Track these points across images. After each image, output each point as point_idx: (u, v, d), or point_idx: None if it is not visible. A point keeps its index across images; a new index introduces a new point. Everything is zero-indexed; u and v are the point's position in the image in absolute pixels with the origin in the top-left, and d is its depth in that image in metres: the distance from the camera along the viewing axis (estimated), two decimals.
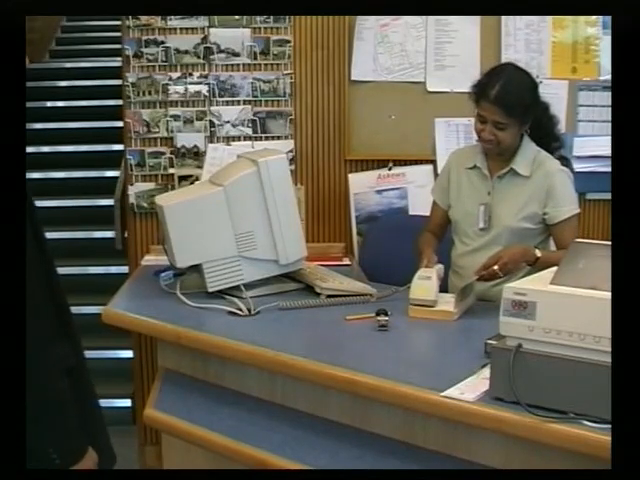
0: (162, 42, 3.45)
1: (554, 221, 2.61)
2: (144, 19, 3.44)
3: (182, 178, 3.48)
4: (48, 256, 1.67)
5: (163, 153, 3.51)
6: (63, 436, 1.57)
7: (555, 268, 1.76)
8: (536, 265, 2.46)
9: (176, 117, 3.48)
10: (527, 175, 2.61)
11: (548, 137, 2.68)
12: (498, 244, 2.60)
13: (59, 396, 1.56)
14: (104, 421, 1.83)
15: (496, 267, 2.42)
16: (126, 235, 3.72)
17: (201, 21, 3.45)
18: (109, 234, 4.68)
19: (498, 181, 2.66)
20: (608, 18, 3.37)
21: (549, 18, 3.50)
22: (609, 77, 3.44)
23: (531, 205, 2.61)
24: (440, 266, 2.56)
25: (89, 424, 1.67)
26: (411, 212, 3.49)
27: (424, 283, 2.45)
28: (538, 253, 2.49)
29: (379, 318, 2.33)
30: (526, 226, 2.62)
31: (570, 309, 1.63)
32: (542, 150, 2.65)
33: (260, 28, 3.46)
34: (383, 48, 3.51)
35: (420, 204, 3.15)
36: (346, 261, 3.32)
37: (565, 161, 2.71)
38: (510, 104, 2.51)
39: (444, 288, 2.75)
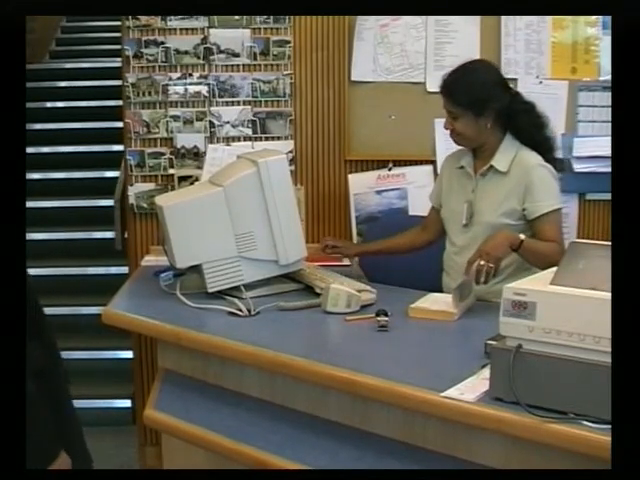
0: (162, 42, 3.45)
1: (532, 216, 2.60)
2: (144, 19, 3.44)
3: (182, 179, 3.48)
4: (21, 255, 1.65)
5: (163, 154, 3.51)
6: (31, 439, 1.51)
7: (555, 268, 1.76)
8: (521, 249, 2.46)
9: (176, 117, 3.48)
10: (504, 171, 2.63)
11: (532, 140, 2.66)
12: (479, 242, 2.60)
13: (27, 399, 1.51)
14: (79, 425, 1.80)
15: (482, 262, 2.42)
16: (126, 235, 3.72)
17: (201, 21, 3.45)
18: (109, 234, 4.68)
19: (481, 179, 2.69)
20: (608, 18, 3.36)
21: (549, 18, 3.50)
22: (609, 77, 3.44)
23: (510, 201, 2.62)
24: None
25: (62, 427, 1.64)
26: (411, 212, 3.49)
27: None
28: (522, 236, 2.48)
29: (379, 318, 2.33)
30: (506, 222, 2.61)
31: (570, 309, 1.63)
32: (524, 147, 2.65)
33: (260, 28, 3.46)
34: (383, 48, 3.51)
35: (420, 204, 3.15)
36: (346, 261, 3.32)
37: (557, 162, 2.70)
38: (456, 94, 2.60)
39: (438, 289, 2.75)
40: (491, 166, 2.65)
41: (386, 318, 2.32)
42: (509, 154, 2.64)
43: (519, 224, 2.62)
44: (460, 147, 2.75)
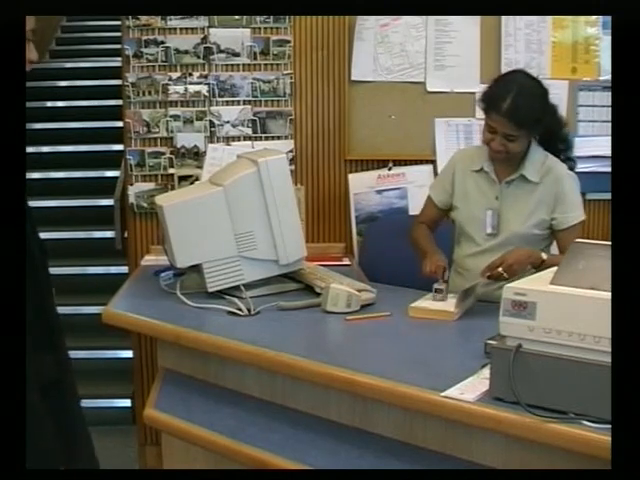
0: (162, 42, 3.45)
1: (561, 227, 2.60)
2: (144, 19, 3.44)
3: (182, 178, 3.48)
4: (34, 261, 1.65)
5: (163, 153, 3.51)
6: (33, 452, 1.50)
7: (555, 268, 1.76)
8: (541, 267, 2.45)
9: (176, 117, 3.48)
10: (537, 181, 2.61)
11: (555, 139, 2.67)
12: (505, 249, 2.60)
13: (31, 411, 1.51)
14: (88, 435, 1.80)
15: (501, 269, 2.42)
16: (126, 235, 3.72)
17: (201, 21, 3.45)
18: (109, 234, 4.69)
19: (506, 186, 2.65)
20: (608, 18, 3.37)
21: (549, 18, 3.50)
22: (609, 77, 3.44)
23: (540, 211, 2.61)
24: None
25: (67, 441, 1.63)
26: (411, 212, 3.48)
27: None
28: (544, 256, 2.49)
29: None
30: (535, 232, 2.61)
31: (570, 309, 1.63)
32: (549, 154, 2.64)
33: (260, 28, 3.46)
34: (383, 48, 3.51)
35: (420, 204, 3.14)
36: (346, 261, 3.32)
37: (572, 162, 2.71)
38: (521, 117, 2.49)
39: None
40: (520, 175, 2.62)
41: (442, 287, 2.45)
42: (537, 163, 2.62)
43: (544, 233, 2.62)
44: (472, 145, 2.72)
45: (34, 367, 1.54)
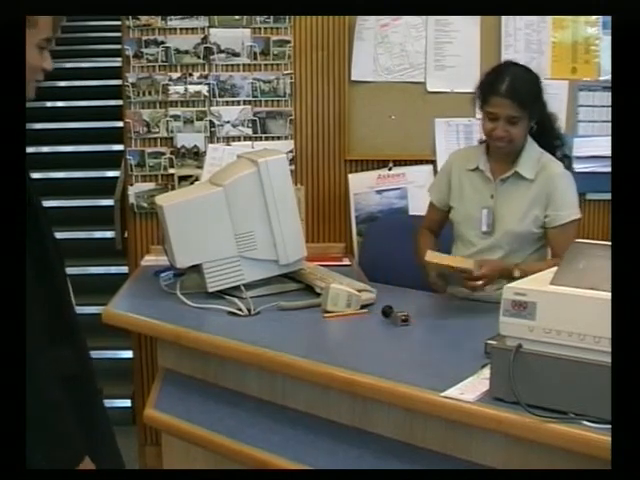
0: (162, 42, 3.45)
1: (552, 224, 2.59)
2: (144, 19, 3.44)
3: (182, 178, 3.48)
4: (50, 260, 1.66)
5: (163, 153, 3.51)
6: (54, 445, 1.55)
7: (555, 268, 1.76)
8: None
9: (176, 117, 3.48)
10: (532, 178, 2.60)
11: (549, 135, 2.67)
12: (501, 248, 2.60)
13: (52, 404, 1.54)
14: (111, 428, 1.82)
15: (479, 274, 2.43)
16: (126, 235, 3.72)
17: (201, 21, 3.45)
18: (109, 234, 4.68)
19: (501, 184, 2.64)
20: (608, 18, 3.37)
21: (549, 18, 3.50)
22: (609, 77, 3.44)
23: (535, 209, 2.60)
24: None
25: (90, 433, 1.65)
26: (411, 212, 3.49)
27: None
28: (516, 273, 2.42)
29: (400, 314, 2.34)
30: (530, 230, 2.61)
31: (570, 309, 1.63)
32: (545, 152, 2.64)
33: (260, 28, 3.46)
34: (383, 48, 3.51)
35: (420, 204, 3.15)
36: (346, 261, 3.32)
37: (567, 160, 2.71)
38: (522, 95, 2.51)
39: None
40: (515, 172, 2.61)
41: (405, 313, 2.33)
42: (532, 160, 2.61)
43: (540, 231, 2.62)
44: (467, 145, 2.72)
45: (54, 362, 1.56)
